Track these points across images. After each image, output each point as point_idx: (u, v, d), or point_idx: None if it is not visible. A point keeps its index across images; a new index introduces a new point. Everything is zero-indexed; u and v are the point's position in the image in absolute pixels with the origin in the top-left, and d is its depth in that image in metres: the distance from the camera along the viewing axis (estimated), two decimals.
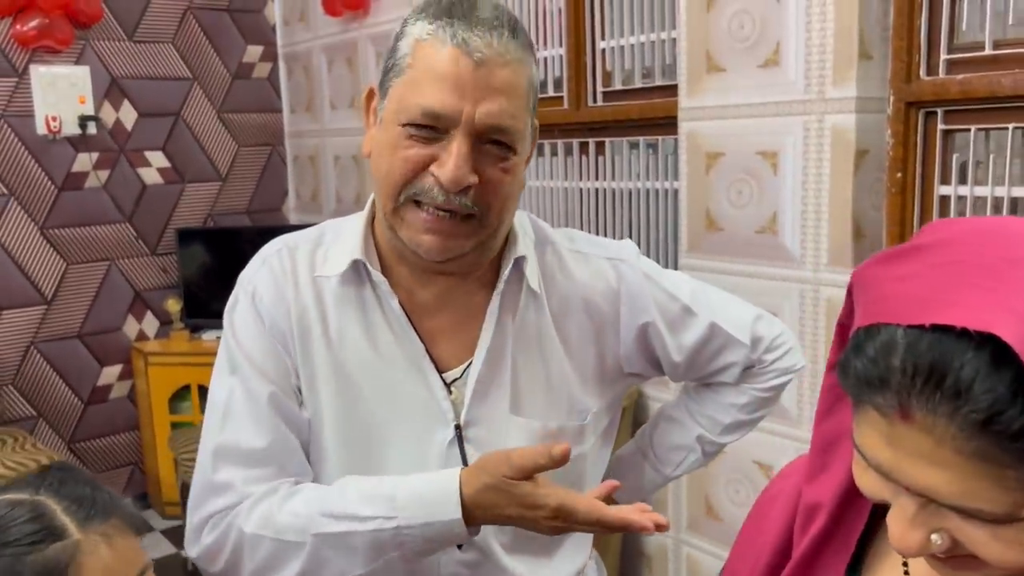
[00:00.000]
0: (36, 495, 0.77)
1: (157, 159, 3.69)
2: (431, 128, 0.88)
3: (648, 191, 2.43)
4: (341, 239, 1.00)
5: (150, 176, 3.68)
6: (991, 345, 0.48)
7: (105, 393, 3.61)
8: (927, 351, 0.50)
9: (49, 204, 3.45)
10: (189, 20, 3.69)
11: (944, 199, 1.81)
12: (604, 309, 1.03)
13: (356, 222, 1.00)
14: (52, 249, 3.48)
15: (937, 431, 0.50)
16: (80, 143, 3.47)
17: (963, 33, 1.74)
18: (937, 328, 0.50)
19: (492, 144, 0.89)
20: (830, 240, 1.84)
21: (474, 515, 0.88)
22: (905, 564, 0.66)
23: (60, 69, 3.36)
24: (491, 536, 0.99)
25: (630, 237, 2.45)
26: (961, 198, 1.77)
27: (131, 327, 3.66)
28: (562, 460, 0.84)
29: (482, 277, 1.00)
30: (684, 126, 2.09)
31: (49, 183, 3.44)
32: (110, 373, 3.62)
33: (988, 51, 1.68)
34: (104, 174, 3.55)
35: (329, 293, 0.99)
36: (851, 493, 0.64)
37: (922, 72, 1.78)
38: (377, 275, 0.98)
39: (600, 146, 2.57)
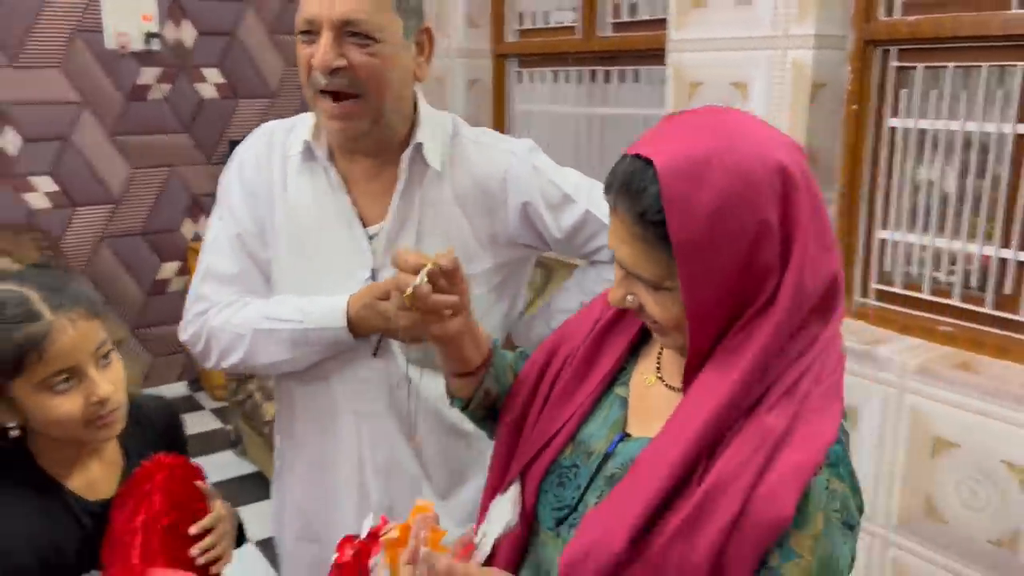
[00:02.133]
0: (20, 287, 1.04)
1: (214, 75, 4.01)
2: (309, 32, 1.19)
3: (644, 117, 2.66)
4: (305, 126, 1.32)
5: (207, 91, 4.00)
6: (654, 168, 0.78)
7: (164, 286, 4.01)
8: (625, 168, 0.81)
9: (117, 113, 3.80)
10: None
11: (893, 130, 2.00)
12: (494, 189, 1.33)
13: (314, 114, 1.31)
14: (119, 154, 3.85)
15: (624, 220, 0.81)
16: (145, 58, 3.80)
17: None
18: (636, 156, 0.80)
19: (353, 36, 1.18)
20: None
21: (356, 325, 1.24)
22: (661, 350, 0.95)
23: None
24: (396, 345, 1.29)
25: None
26: (908, 129, 1.96)
27: (187, 228, 4.04)
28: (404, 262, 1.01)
29: (395, 158, 1.30)
30: (671, 57, 2.30)
31: (117, 94, 3.79)
32: (168, 268, 4.02)
33: None
34: (166, 87, 3.88)
35: (292, 166, 1.33)
36: None
37: (880, 13, 1.96)
38: (319, 153, 1.30)
39: (608, 75, 2.79)
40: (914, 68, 1.94)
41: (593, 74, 2.86)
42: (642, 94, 2.71)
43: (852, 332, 2.05)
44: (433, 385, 1.28)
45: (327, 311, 1.25)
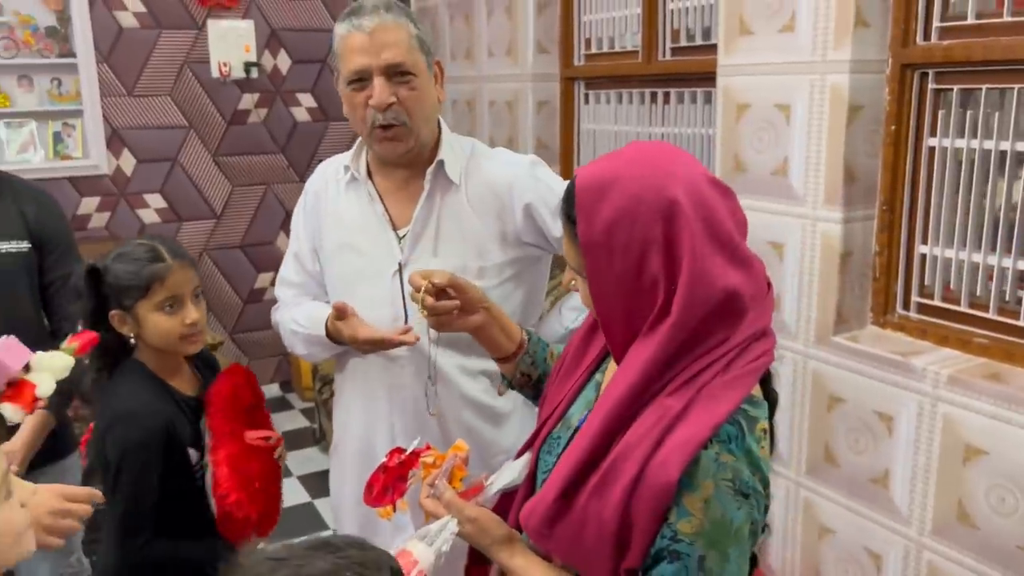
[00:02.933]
0: (151, 241, 1.48)
1: (307, 100, 4.32)
2: (360, 80, 1.48)
3: (693, 136, 2.79)
4: (347, 156, 1.65)
5: (301, 115, 4.32)
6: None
7: (260, 295, 4.34)
8: (571, 180, 1.02)
9: (220, 135, 4.16)
10: None
11: (932, 149, 2.08)
12: (503, 195, 1.59)
13: (358, 142, 1.63)
14: (221, 173, 4.20)
15: (563, 219, 1.04)
16: (245, 85, 4.14)
17: (953, 6, 2.00)
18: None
19: (397, 76, 1.46)
20: (826, 182, 2.16)
21: (330, 334, 1.59)
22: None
23: (230, 23, 4.03)
24: (421, 332, 1.53)
25: None
26: (945, 149, 2.04)
27: (281, 241, 4.36)
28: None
29: (423, 171, 1.58)
30: (721, 80, 2.43)
31: (220, 118, 4.14)
32: (264, 278, 4.34)
33: (971, 20, 1.94)
34: (263, 112, 4.22)
35: (340, 186, 1.65)
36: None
37: (918, 38, 2.05)
38: (357, 172, 1.61)
39: (666, 96, 2.93)
40: (950, 90, 2.02)
41: (653, 95, 3.01)
42: (696, 114, 2.85)
43: (891, 343, 2.13)
44: (452, 363, 1.58)
45: (317, 321, 1.62)
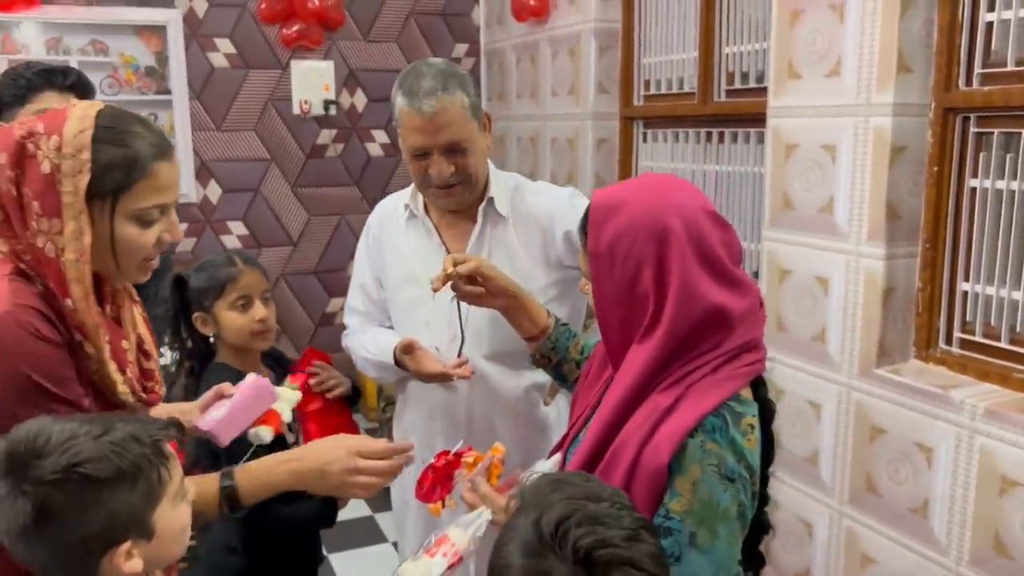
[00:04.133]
0: (227, 252, 1.68)
1: (380, 136, 4.57)
2: (421, 155, 1.65)
3: (745, 174, 2.90)
4: (406, 195, 1.83)
5: (374, 150, 4.56)
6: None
7: (331, 319, 4.57)
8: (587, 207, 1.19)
9: (299, 168, 4.42)
10: (411, 23, 4.51)
11: (973, 190, 2.16)
12: (544, 223, 1.76)
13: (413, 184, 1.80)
14: (299, 203, 4.46)
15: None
16: (323, 121, 4.40)
17: (995, 52, 2.08)
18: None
19: (454, 151, 1.63)
20: (869, 220, 2.25)
21: (398, 362, 1.77)
22: None
23: (312, 63, 4.30)
24: (475, 349, 1.71)
25: (727, 212, 2.92)
26: (986, 189, 2.12)
27: (352, 269, 4.59)
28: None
29: (475, 207, 1.75)
30: (771, 122, 2.54)
31: (299, 152, 4.41)
32: (335, 303, 4.57)
33: (1012, 67, 2.02)
34: (340, 147, 4.47)
35: (400, 221, 1.82)
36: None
37: (960, 83, 2.14)
38: (416, 209, 1.79)
39: (721, 135, 3.05)
40: (991, 133, 2.10)
41: (708, 135, 3.13)
42: (748, 153, 2.96)
43: (932, 376, 2.19)
44: (501, 377, 1.77)
45: (385, 349, 1.78)
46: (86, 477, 0.93)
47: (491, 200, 1.76)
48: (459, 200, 1.73)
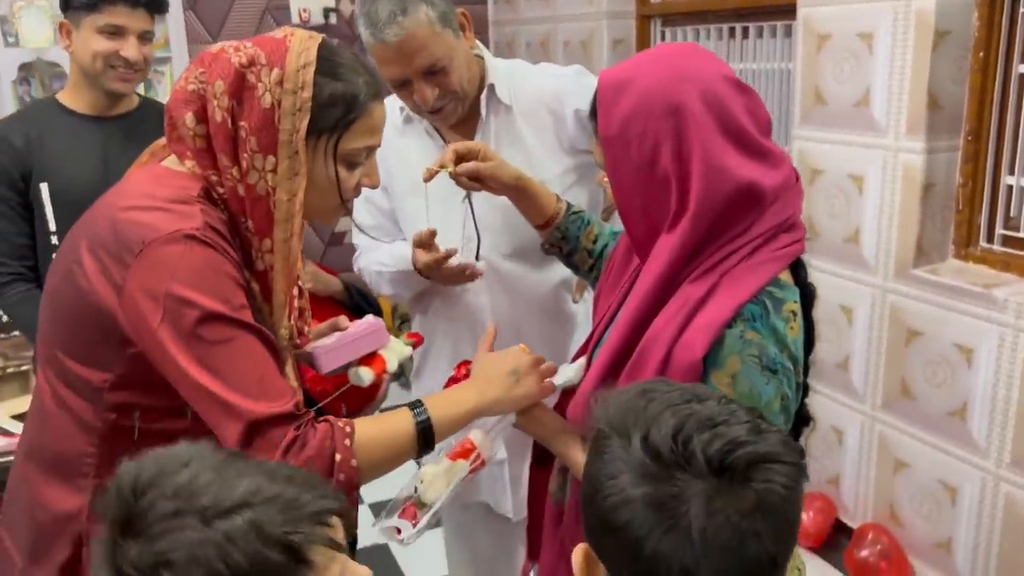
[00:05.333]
0: None
1: None
2: (400, 85, 1.52)
3: (772, 71, 2.75)
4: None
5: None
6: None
7: (340, 238, 4.47)
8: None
9: None
10: None
11: (1021, 76, 2.02)
12: (552, 106, 1.63)
13: None
14: None
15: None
16: (323, 30, 4.21)
17: None
18: None
19: (432, 74, 1.49)
20: (909, 112, 2.12)
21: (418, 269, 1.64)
22: None
23: None
24: (494, 249, 1.63)
25: None
26: None
27: None
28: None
29: (473, 102, 1.63)
30: (801, 11, 2.38)
31: None
32: (345, 222, 4.45)
33: None
34: None
35: (397, 125, 1.69)
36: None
37: None
38: (408, 112, 1.65)
39: (745, 30, 2.89)
40: None
41: (731, 30, 2.96)
42: (776, 48, 2.79)
43: (972, 275, 2.10)
44: (525, 273, 1.69)
45: (402, 258, 1.66)
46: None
47: (492, 88, 1.63)
48: (454, 115, 1.61)
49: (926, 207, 2.16)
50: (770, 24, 2.79)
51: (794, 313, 1.03)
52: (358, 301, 2.07)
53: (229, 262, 1.04)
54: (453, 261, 1.60)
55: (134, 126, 1.94)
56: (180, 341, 0.99)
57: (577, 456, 1.14)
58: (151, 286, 0.98)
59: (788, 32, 2.71)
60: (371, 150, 1.15)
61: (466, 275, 1.62)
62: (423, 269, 1.63)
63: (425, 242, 1.60)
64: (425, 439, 1.11)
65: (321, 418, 1.07)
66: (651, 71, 1.03)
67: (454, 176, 1.43)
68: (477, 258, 1.67)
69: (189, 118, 1.06)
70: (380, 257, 1.74)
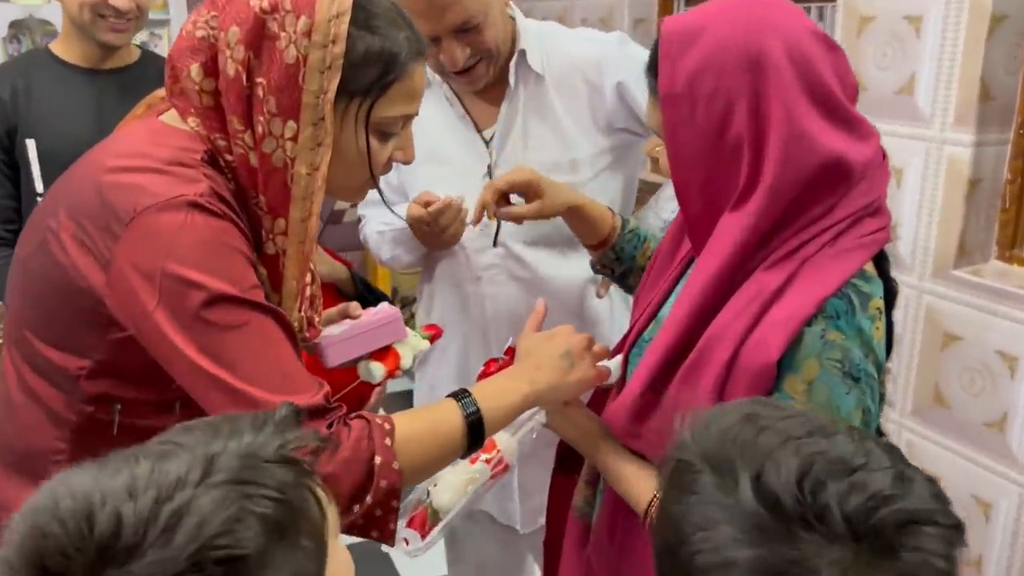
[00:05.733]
0: None
1: None
2: (431, 41, 1.38)
3: None
4: None
5: None
6: None
7: (340, 216, 4.32)
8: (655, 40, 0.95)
9: None
10: None
11: None
12: (590, 76, 1.47)
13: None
14: None
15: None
16: None
17: None
18: None
19: (465, 31, 1.36)
20: (957, 102, 1.98)
21: None
22: None
23: None
24: (515, 236, 1.49)
25: None
26: None
27: None
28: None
29: (504, 70, 1.48)
30: None
31: None
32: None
33: None
34: None
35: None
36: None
37: None
38: (429, 73, 1.48)
39: None
40: None
41: None
42: None
43: (1018, 278, 1.97)
44: (549, 264, 1.56)
45: (402, 214, 1.54)
46: (231, 562, 0.52)
47: (523, 54, 1.47)
48: (483, 79, 1.46)
49: (971, 204, 2.02)
50: (805, 4, 2.64)
51: (880, 311, 0.89)
52: (364, 294, 1.92)
53: (239, 234, 0.89)
54: (471, 236, 1.45)
55: (133, 81, 1.79)
56: (182, 327, 0.85)
57: (622, 469, 1.01)
58: (145, 262, 0.84)
59: (821, 15, 2.56)
60: (408, 119, 1.01)
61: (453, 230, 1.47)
62: (412, 223, 1.48)
63: (420, 200, 1.47)
64: (474, 435, 0.96)
65: (354, 414, 0.93)
66: (727, 20, 0.89)
67: (494, 217, 1.33)
68: (495, 244, 1.53)
69: (195, 70, 0.90)
70: (382, 217, 1.63)
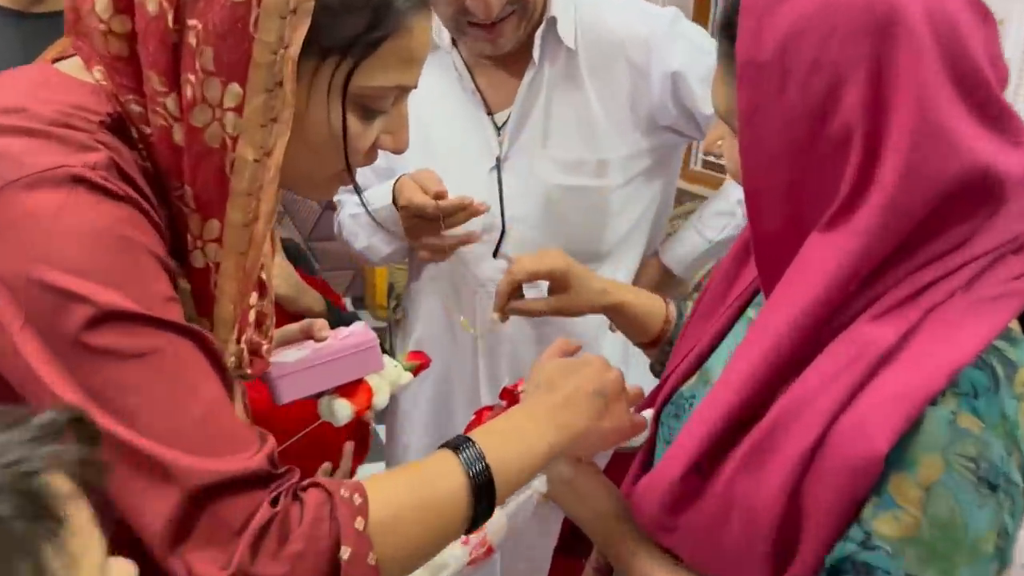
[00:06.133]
0: None
1: None
2: None
3: None
4: None
5: None
6: None
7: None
8: None
9: None
10: None
11: None
12: (634, 58, 1.19)
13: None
14: None
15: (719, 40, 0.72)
16: None
17: None
18: None
19: None
20: None
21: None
22: None
23: None
24: (523, 248, 1.24)
25: None
26: None
27: None
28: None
29: (528, 41, 1.19)
30: None
31: None
32: None
33: None
34: None
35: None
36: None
37: None
38: (439, 37, 1.22)
39: None
40: None
41: None
42: None
43: None
44: None
45: (384, 195, 1.26)
46: None
47: (552, 22, 1.18)
48: (510, 39, 1.17)
49: None
50: None
51: None
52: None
53: (147, 225, 0.63)
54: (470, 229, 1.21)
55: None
56: (55, 355, 0.59)
57: (637, 560, 0.76)
58: (5, 264, 0.58)
59: None
60: (403, 92, 0.73)
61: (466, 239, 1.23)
62: (410, 212, 1.21)
63: (430, 190, 1.18)
64: (480, 502, 0.69)
65: (308, 482, 0.66)
66: None
67: (505, 317, 1.09)
68: (496, 255, 1.27)
69: (101, 3, 0.66)
70: (358, 200, 1.35)
